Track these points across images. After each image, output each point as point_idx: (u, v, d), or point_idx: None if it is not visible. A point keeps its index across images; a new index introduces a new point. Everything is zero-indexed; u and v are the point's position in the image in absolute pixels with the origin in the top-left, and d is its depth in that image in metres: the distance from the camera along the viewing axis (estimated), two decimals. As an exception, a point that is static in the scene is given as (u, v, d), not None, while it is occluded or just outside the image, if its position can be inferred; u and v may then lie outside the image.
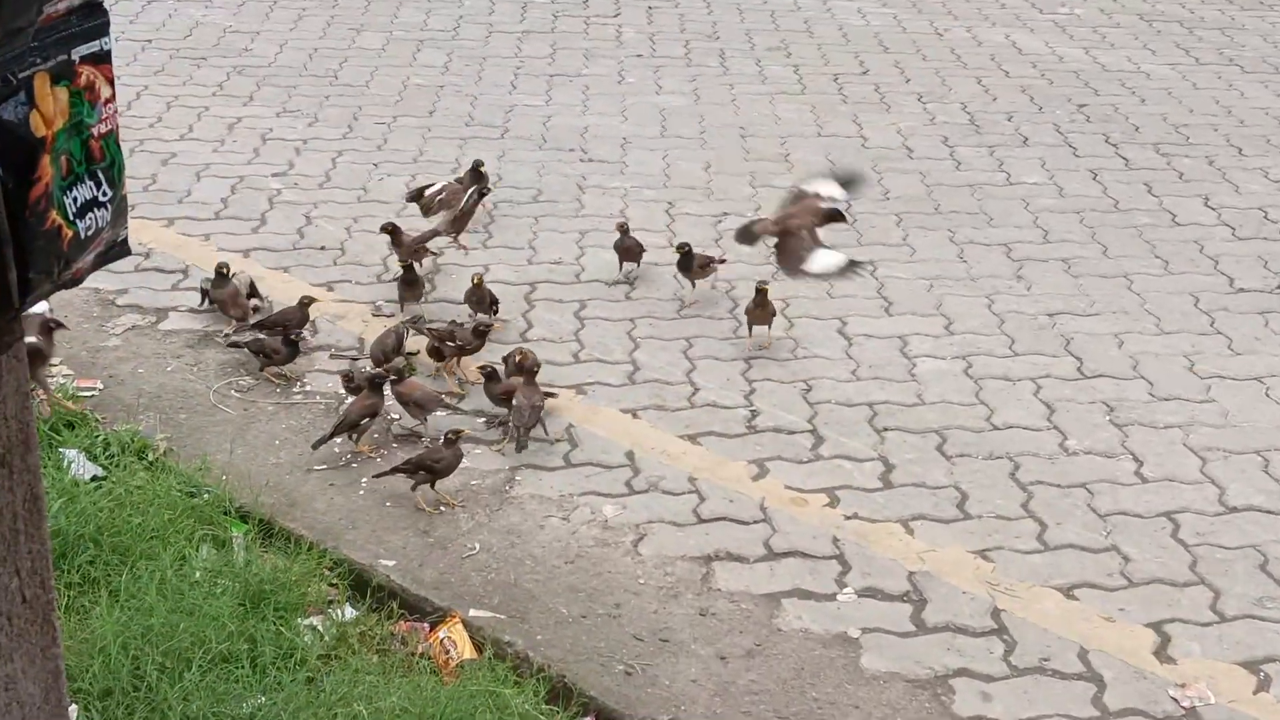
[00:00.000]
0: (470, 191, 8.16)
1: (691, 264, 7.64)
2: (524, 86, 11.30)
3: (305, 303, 7.13)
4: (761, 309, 7.27)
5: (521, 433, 6.20)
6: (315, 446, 6.21)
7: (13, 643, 2.71)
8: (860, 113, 10.92)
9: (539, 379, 6.46)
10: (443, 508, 5.90)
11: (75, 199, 2.66)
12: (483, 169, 8.60)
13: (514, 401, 6.31)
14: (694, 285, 7.77)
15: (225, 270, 7.19)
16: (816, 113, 10.91)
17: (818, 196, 6.57)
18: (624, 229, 8.03)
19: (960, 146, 10.28)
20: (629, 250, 8.01)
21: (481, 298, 7.29)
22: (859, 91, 11.37)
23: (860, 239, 8.67)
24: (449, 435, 5.95)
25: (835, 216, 6.46)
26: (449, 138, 10.16)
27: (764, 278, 7.49)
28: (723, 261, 7.86)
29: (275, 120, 10.37)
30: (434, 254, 7.89)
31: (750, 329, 7.31)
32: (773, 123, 10.70)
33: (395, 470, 5.90)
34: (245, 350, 6.86)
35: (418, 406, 6.37)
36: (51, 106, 2.57)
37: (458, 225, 8.06)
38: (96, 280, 7.17)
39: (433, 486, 5.92)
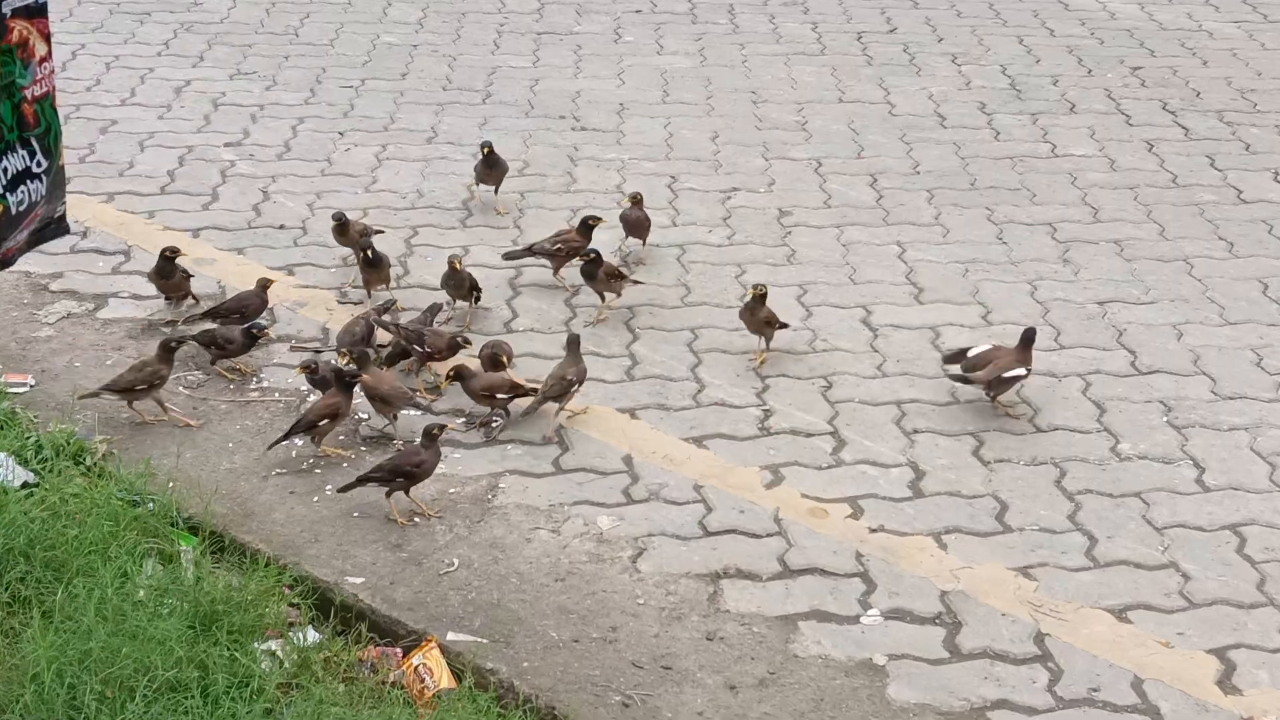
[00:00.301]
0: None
1: (596, 272, 7.37)
2: (508, 46, 11.30)
3: (263, 285, 7.13)
4: (752, 315, 7.06)
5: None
6: (269, 448, 6.21)
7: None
8: (887, 76, 10.92)
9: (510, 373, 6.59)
10: (417, 519, 5.90)
11: (5, 169, 2.66)
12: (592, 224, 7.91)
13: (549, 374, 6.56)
14: (602, 298, 7.47)
15: (172, 254, 7.18)
16: (837, 76, 10.91)
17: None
18: (637, 200, 8.00)
19: (999, 114, 10.28)
20: (636, 224, 7.99)
21: (460, 282, 7.29)
22: (885, 52, 11.37)
23: (887, 218, 8.67)
24: (431, 431, 5.95)
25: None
26: (424, 103, 10.16)
27: (760, 282, 7.32)
28: (636, 283, 7.59)
29: (228, 83, 10.36)
30: (378, 231, 7.79)
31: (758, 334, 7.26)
32: (788, 87, 10.70)
33: (365, 480, 5.90)
34: (193, 342, 6.86)
35: (384, 402, 6.38)
36: (-21, 65, 2.57)
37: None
38: (27, 263, 7.18)
39: (407, 493, 5.93)
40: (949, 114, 10.27)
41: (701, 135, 9.80)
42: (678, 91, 10.55)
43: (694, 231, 8.46)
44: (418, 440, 6.03)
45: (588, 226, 7.75)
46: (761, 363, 7.07)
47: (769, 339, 7.12)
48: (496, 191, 8.59)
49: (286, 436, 6.20)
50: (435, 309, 7.13)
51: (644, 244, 8.07)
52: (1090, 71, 11.07)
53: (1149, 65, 11.18)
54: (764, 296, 7.04)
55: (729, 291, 7.77)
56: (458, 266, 7.26)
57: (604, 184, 9.02)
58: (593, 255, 7.39)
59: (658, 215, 8.56)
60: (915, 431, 6.61)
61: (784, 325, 7.13)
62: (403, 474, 5.89)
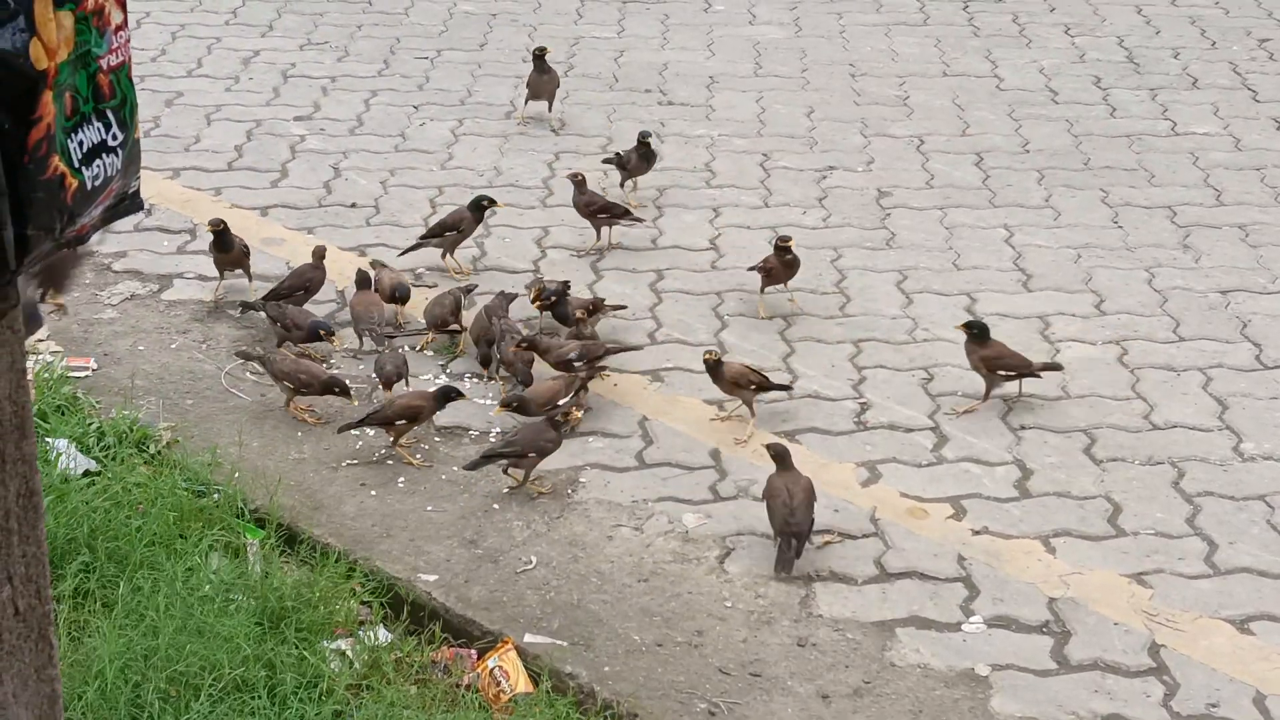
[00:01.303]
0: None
1: (567, 313, 6.95)
2: (592, 15, 11.34)
3: (319, 255, 7.25)
4: (788, 268, 7.33)
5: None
6: (340, 430, 6.29)
7: (3, 662, 2.77)
8: (995, 47, 10.86)
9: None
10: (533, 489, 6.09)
11: (81, 143, 2.70)
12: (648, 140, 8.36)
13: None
14: (581, 331, 6.93)
15: (221, 225, 7.25)
16: (941, 48, 10.87)
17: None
18: (578, 179, 7.93)
19: (1116, 89, 10.20)
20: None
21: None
22: (993, 22, 11.31)
23: (993, 199, 8.63)
24: (553, 416, 6.15)
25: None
26: (502, 76, 10.22)
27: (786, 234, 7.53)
28: (619, 307, 7.37)
29: (298, 54, 10.47)
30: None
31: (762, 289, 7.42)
32: (889, 59, 10.67)
33: (492, 457, 6.03)
34: (265, 318, 6.94)
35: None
36: (54, 34, 2.62)
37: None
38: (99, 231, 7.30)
39: (527, 472, 6.09)
40: (1061, 88, 10.20)
41: (796, 111, 9.79)
42: (771, 64, 10.54)
43: (787, 213, 8.46)
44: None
45: (480, 208, 7.69)
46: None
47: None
48: (550, 107, 8.59)
49: (359, 424, 6.27)
50: (508, 297, 7.13)
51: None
52: (1214, 44, 10.95)
53: (1277, 37, 11.04)
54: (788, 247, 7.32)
55: (823, 277, 7.77)
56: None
57: (692, 162, 9.03)
58: (554, 296, 6.99)
59: (749, 195, 8.58)
60: (1022, 428, 6.58)
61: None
62: (536, 450, 6.03)
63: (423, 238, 7.70)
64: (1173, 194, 8.74)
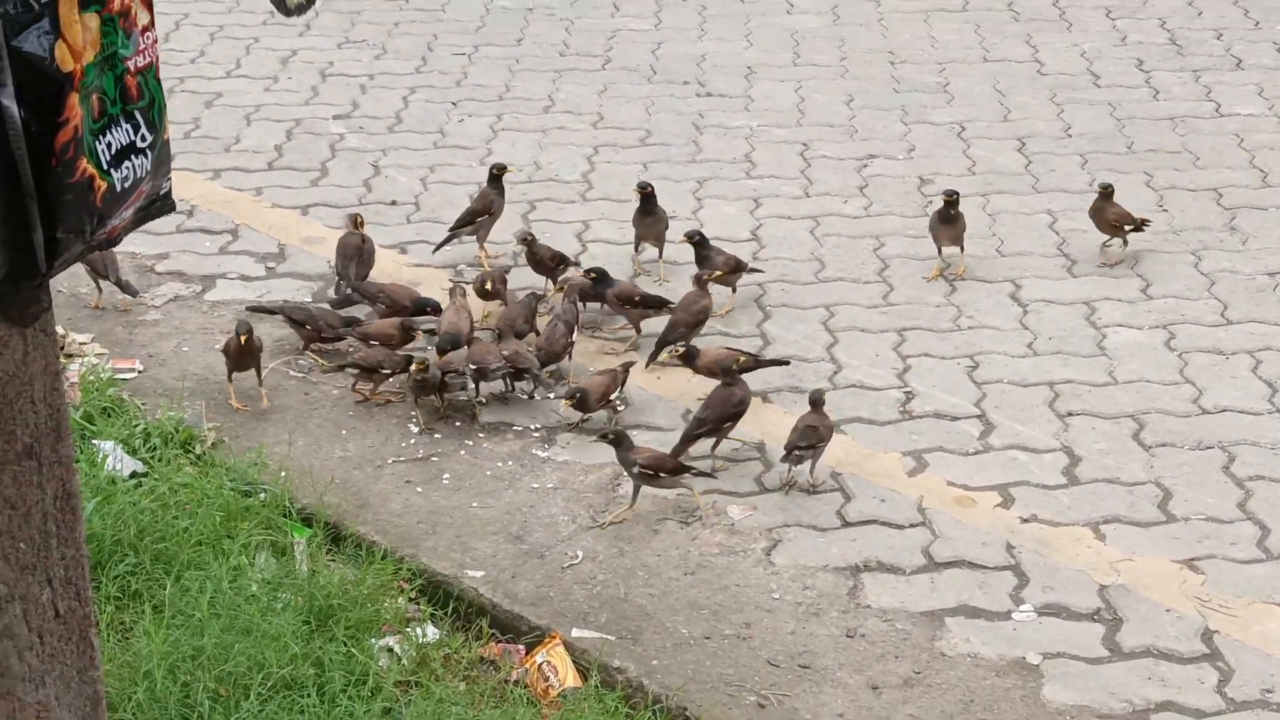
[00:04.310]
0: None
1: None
2: (629, 8, 11.30)
3: (356, 222, 7.33)
4: (949, 224, 7.38)
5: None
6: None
7: (45, 664, 2.77)
8: (1035, 32, 10.78)
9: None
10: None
11: (109, 145, 2.69)
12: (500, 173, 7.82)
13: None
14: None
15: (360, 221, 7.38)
16: (981, 33, 10.79)
17: None
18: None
19: (1159, 71, 10.11)
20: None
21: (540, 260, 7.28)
22: (1033, 6, 11.22)
23: (1036, 185, 8.56)
24: (730, 368, 6.20)
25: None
26: (541, 70, 10.20)
27: (951, 189, 7.55)
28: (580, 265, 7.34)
29: (336, 52, 10.47)
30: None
31: (939, 249, 7.46)
32: (928, 46, 10.60)
33: (694, 437, 6.07)
34: (284, 320, 6.98)
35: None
36: (80, 36, 2.61)
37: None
38: (132, 243, 7.33)
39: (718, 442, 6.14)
40: (1103, 72, 10.11)
41: (835, 99, 9.73)
42: (809, 53, 10.49)
43: (828, 202, 8.41)
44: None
45: (497, 178, 7.68)
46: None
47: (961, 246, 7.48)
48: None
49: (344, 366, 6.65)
50: (536, 298, 7.10)
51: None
52: (1258, 23, 10.83)
53: (1322, 15, 10.93)
54: (954, 201, 7.42)
55: (866, 266, 7.71)
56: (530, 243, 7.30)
57: (731, 153, 8.99)
58: (594, 274, 7.04)
59: (790, 185, 8.53)
60: (1070, 414, 6.52)
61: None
62: (729, 418, 6.07)
63: (453, 229, 7.68)
64: (1218, 176, 8.65)
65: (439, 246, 7.67)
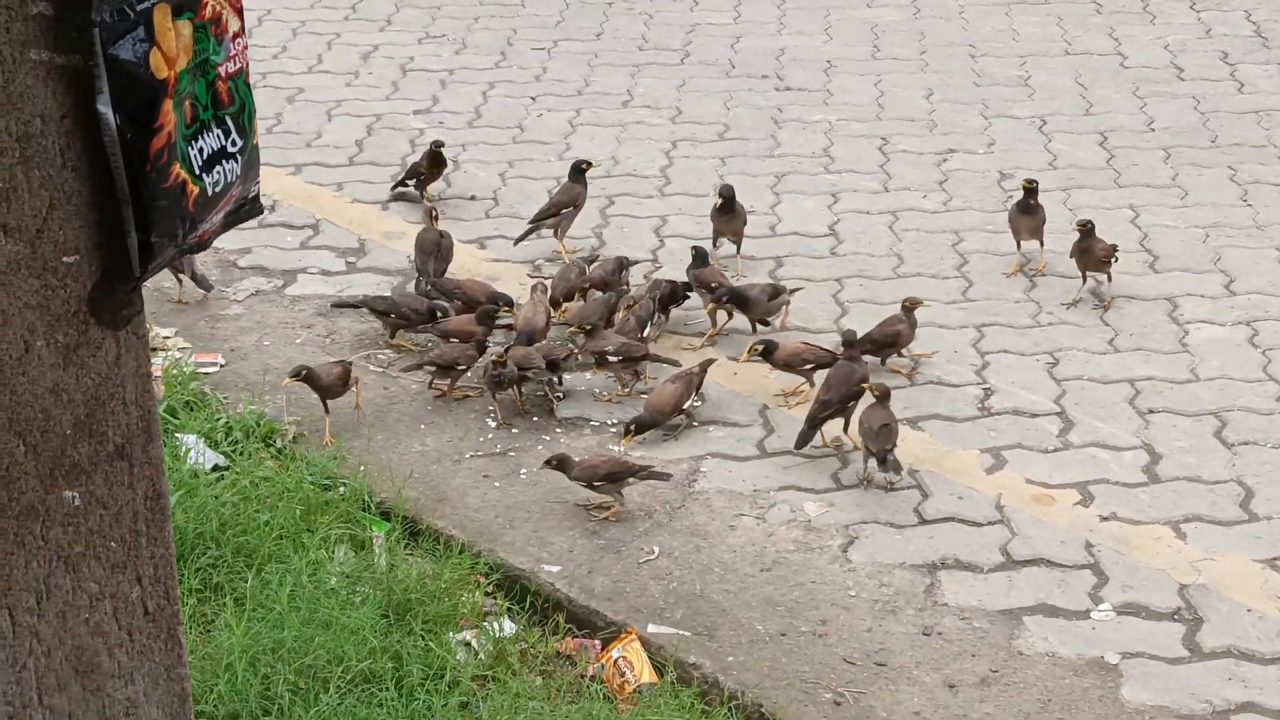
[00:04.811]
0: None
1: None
2: (708, 2, 11.32)
3: (435, 215, 7.48)
4: (1087, 254, 7.22)
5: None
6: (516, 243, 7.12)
7: (134, 661, 2.83)
8: (1118, 25, 10.71)
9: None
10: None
11: (201, 150, 2.74)
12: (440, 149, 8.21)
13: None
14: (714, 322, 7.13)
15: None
16: (1063, 26, 10.73)
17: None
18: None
19: (1244, 64, 10.01)
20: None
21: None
22: (1116, -2, 11.15)
23: (1118, 180, 8.52)
24: (851, 340, 6.36)
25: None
26: (620, 65, 10.23)
27: (1087, 218, 7.38)
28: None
29: (417, 48, 10.55)
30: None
31: (1084, 277, 7.34)
32: (1009, 39, 10.55)
33: (818, 421, 6.12)
34: (366, 312, 7.06)
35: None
36: (174, 43, 2.66)
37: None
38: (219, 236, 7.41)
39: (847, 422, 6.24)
40: (1187, 65, 10.03)
41: (915, 93, 9.71)
42: (889, 46, 10.47)
43: (907, 197, 8.39)
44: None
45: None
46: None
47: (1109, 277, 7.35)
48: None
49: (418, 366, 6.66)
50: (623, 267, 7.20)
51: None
52: (1345, 14, 10.73)
53: None
54: (1091, 229, 7.25)
55: (945, 261, 7.70)
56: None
57: (810, 148, 8.99)
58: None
59: (868, 180, 8.52)
60: (1150, 411, 6.49)
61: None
62: (853, 396, 6.16)
63: (535, 221, 7.74)
64: (1303, 170, 8.59)
65: (520, 238, 7.73)
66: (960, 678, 5.11)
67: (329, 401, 6.34)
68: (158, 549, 2.82)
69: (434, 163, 8.24)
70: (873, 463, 6.01)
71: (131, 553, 2.78)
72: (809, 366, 6.56)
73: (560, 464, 5.92)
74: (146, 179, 2.63)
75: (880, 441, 5.96)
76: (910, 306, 6.77)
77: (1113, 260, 7.22)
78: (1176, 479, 6.07)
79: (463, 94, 9.79)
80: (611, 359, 6.56)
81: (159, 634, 2.87)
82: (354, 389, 6.43)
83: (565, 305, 7.12)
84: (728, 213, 7.54)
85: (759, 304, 6.94)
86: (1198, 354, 6.89)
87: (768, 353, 6.55)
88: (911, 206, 8.28)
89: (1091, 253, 7.20)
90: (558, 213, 7.70)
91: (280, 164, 8.78)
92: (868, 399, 6.15)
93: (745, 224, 7.62)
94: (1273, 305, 7.26)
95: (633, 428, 6.23)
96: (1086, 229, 7.20)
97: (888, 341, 6.73)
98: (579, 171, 7.77)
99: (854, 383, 6.20)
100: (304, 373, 6.26)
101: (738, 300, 6.90)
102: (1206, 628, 5.30)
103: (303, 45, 10.58)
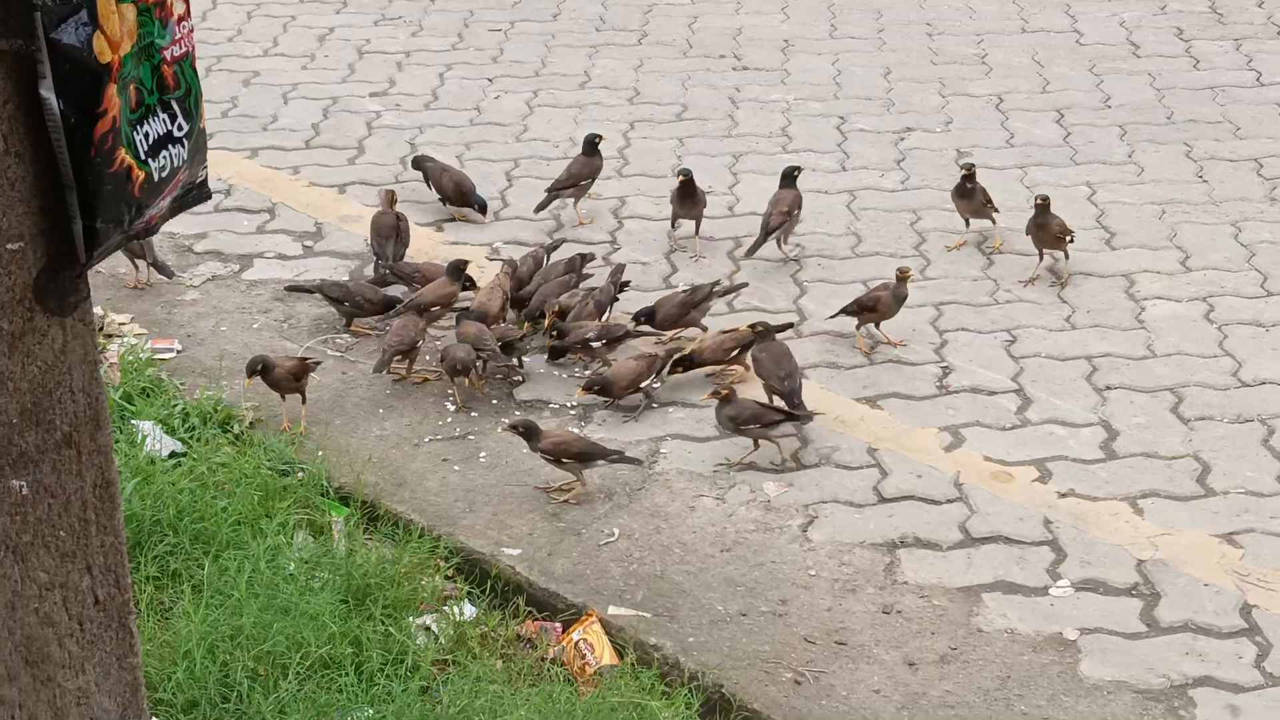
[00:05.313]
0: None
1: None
2: (665, -19, 11.29)
3: (390, 199, 7.42)
4: (1043, 230, 7.23)
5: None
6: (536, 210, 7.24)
7: (85, 651, 2.82)
8: (1074, 2, 10.73)
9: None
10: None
11: (146, 135, 2.73)
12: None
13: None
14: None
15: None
16: (1020, 3, 10.75)
17: None
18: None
19: (1199, 40, 10.05)
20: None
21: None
22: (1072, -25, 11.17)
23: (1075, 157, 8.54)
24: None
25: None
26: (577, 46, 10.20)
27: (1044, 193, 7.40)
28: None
29: (373, 30, 10.50)
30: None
31: (1040, 254, 7.35)
32: (966, 17, 10.56)
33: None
34: (320, 298, 7.04)
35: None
36: (117, 26, 2.64)
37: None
38: (170, 223, 7.32)
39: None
40: (1143, 42, 10.06)
41: (872, 72, 9.71)
42: (846, 25, 10.46)
43: (865, 176, 8.40)
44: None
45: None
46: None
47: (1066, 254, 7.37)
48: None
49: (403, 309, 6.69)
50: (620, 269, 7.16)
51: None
52: (1300, -10, 10.77)
53: (1366, -18, 10.84)
54: (1047, 205, 7.23)
55: (903, 240, 7.71)
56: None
57: (767, 127, 8.99)
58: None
59: (826, 159, 8.53)
60: (1108, 388, 6.52)
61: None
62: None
63: (553, 190, 7.85)
64: (1259, 146, 8.61)
65: (541, 206, 7.86)
66: (920, 655, 5.13)
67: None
68: (108, 537, 2.81)
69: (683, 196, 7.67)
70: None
71: (81, 542, 2.77)
72: (735, 352, 6.56)
73: (526, 431, 5.90)
74: (91, 164, 2.61)
75: (788, 380, 6.18)
76: (902, 276, 6.78)
77: (1068, 239, 7.23)
78: (1134, 455, 6.09)
79: (419, 76, 9.75)
80: (595, 345, 6.55)
81: (110, 623, 2.85)
82: (304, 386, 6.35)
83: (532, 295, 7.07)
84: (688, 197, 7.53)
85: (668, 318, 6.82)
86: (1154, 330, 6.92)
87: (688, 363, 6.52)
88: (869, 185, 8.29)
89: (1048, 229, 7.22)
90: (576, 184, 7.84)
91: (236, 147, 8.73)
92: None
93: (705, 207, 7.61)
94: (1228, 281, 7.30)
95: (594, 388, 6.29)
96: (1043, 204, 7.21)
97: (869, 305, 6.74)
98: (592, 145, 7.90)
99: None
100: (259, 367, 6.22)
101: (650, 319, 6.82)
102: (1164, 603, 5.33)
103: (258, 28, 10.51)
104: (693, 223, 7.63)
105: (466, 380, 6.47)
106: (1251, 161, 8.43)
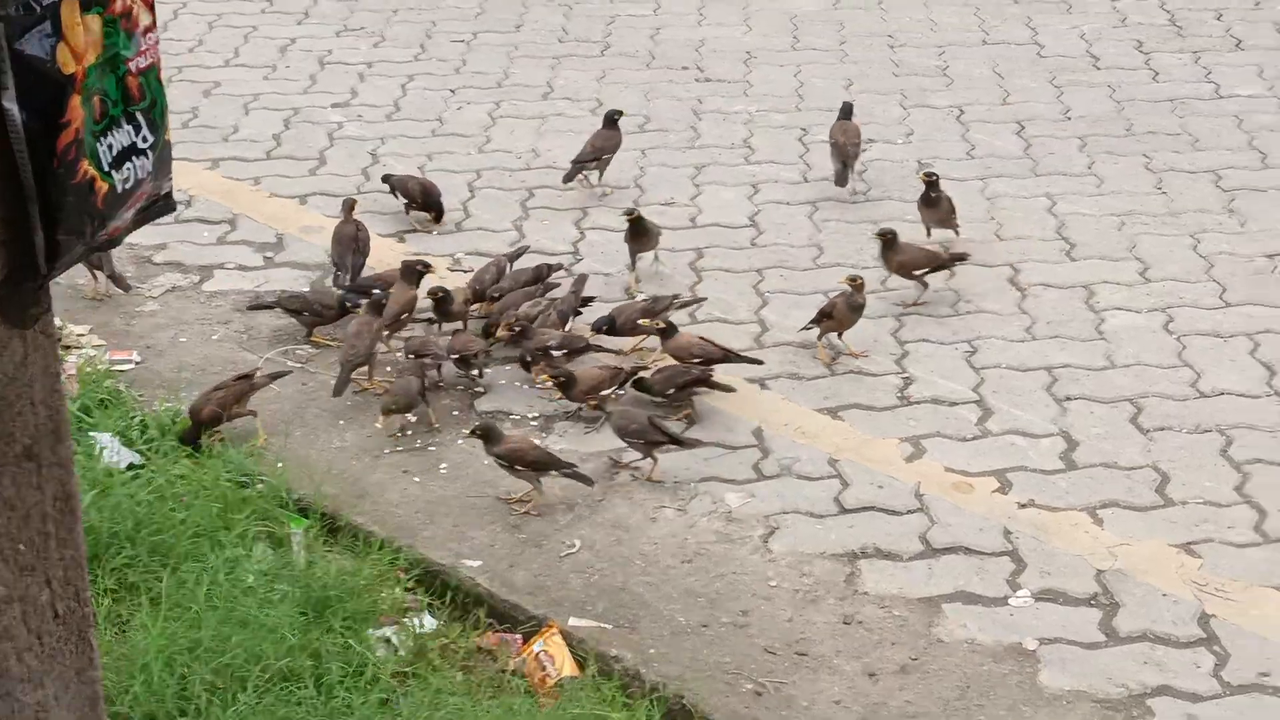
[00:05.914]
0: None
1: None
2: (627, -8, 11.33)
3: (349, 206, 7.44)
4: (931, 208, 7.47)
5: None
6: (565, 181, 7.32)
7: (44, 665, 2.81)
8: (1035, 14, 10.80)
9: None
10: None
11: (110, 146, 2.72)
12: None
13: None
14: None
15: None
16: (981, 15, 10.81)
17: None
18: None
19: (1158, 53, 10.13)
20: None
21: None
22: (1032, -12, 11.25)
23: (1035, 169, 8.60)
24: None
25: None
26: (539, 57, 10.23)
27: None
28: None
29: (335, 41, 10.50)
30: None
31: (928, 230, 7.57)
32: (928, 29, 10.62)
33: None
34: (280, 311, 7.04)
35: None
36: (82, 38, 2.64)
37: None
38: (131, 235, 7.35)
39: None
40: (1102, 54, 10.13)
41: (834, 84, 9.76)
42: (808, 37, 10.51)
43: (826, 187, 8.43)
44: None
45: (614, 121, 8.24)
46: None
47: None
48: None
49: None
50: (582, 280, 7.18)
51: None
52: (1258, 3, 10.86)
53: (1323, -5, 10.95)
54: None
55: (864, 251, 7.75)
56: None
57: (730, 139, 9.02)
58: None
59: (788, 170, 8.56)
60: (1068, 399, 6.56)
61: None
62: (826, 314, 6.73)
63: (578, 163, 8.17)
64: (1217, 158, 8.69)
65: (568, 178, 8.20)
66: (880, 666, 5.16)
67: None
68: (67, 551, 2.80)
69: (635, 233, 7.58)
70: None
71: (40, 555, 2.76)
72: (698, 360, 6.58)
73: (485, 435, 5.92)
74: (54, 176, 2.61)
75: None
76: (854, 284, 6.79)
77: (955, 218, 7.56)
78: (1093, 465, 6.14)
79: (382, 87, 9.75)
80: (556, 353, 6.56)
81: (69, 637, 2.85)
82: (249, 406, 6.31)
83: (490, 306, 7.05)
84: (640, 235, 7.46)
85: (628, 325, 6.86)
86: (1114, 341, 6.97)
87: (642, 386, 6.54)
88: (831, 196, 8.32)
89: (938, 207, 7.47)
90: (599, 157, 8.13)
91: (197, 158, 8.71)
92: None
93: (660, 236, 7.53)
94: (1187, 292, 7.36)
95: (560, 379, 6.31)
96: (931, 181, 7.47)
97: (827, 312, 6.79)
98: (612, 121, 8.21)
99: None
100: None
101: (610, 327, 6.85)
102: (1123, 612, 5.37)
103: (219, 39, 10.50)
104: (649, 255, 7.58)
105: (411, 416, 6.44)
106: (1210, 173, 8.50)
